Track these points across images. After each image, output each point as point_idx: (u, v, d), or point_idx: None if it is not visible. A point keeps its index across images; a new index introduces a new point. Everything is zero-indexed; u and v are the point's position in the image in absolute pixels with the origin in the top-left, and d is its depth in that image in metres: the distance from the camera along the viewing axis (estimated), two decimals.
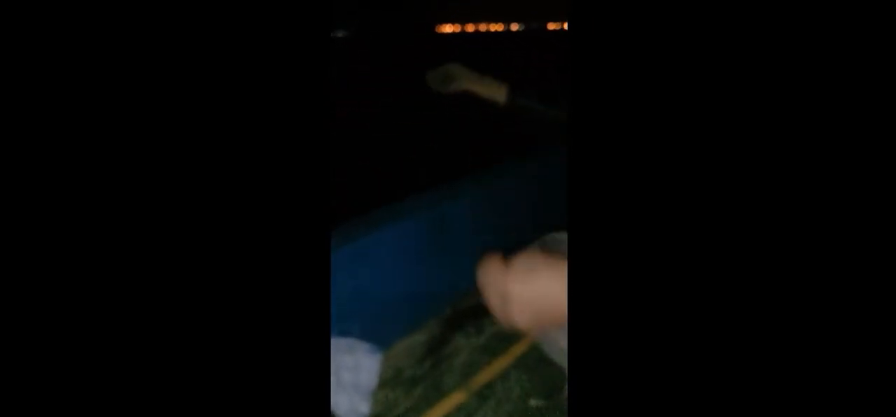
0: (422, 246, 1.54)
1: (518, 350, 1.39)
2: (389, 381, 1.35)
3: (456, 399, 1.25)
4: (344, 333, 1.41)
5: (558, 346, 0.88)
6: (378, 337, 1.42)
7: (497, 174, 1.74)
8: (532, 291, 0.45)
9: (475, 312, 1.58)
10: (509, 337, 1.47)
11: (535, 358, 1.35)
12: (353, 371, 1.30)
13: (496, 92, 1.36)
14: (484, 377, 1.32)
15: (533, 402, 1.20)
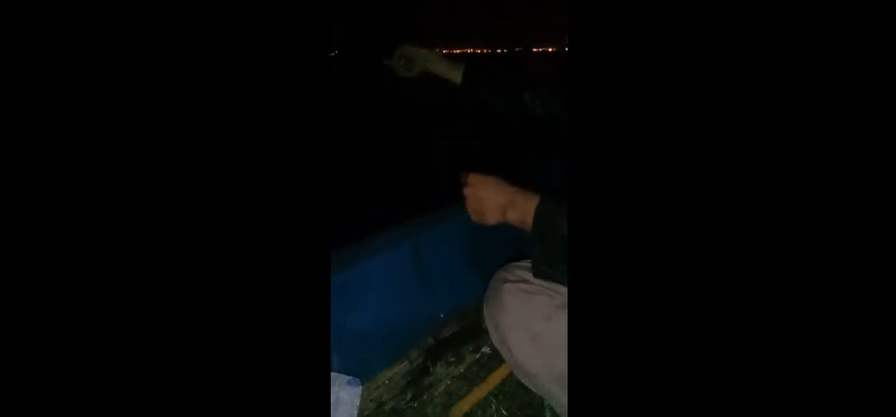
0: (401, 278, 1.54)
1: (497, 377, 1.40)
2: (371, 415, 1.34)
3: None
4: None
5: (560, 403, 1.00)
6: (359, 369, 1.41)
7: None
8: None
9: (455, 340, 1.59)
10: (488, 364, 1.48)
11: (514, 385, 1.36)
12: (333, 406, 1.28)
13: (453, 72, 1.41)
14: (465, 405, 1.32)
15: None
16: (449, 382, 1.43)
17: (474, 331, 1.60)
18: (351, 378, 1.34)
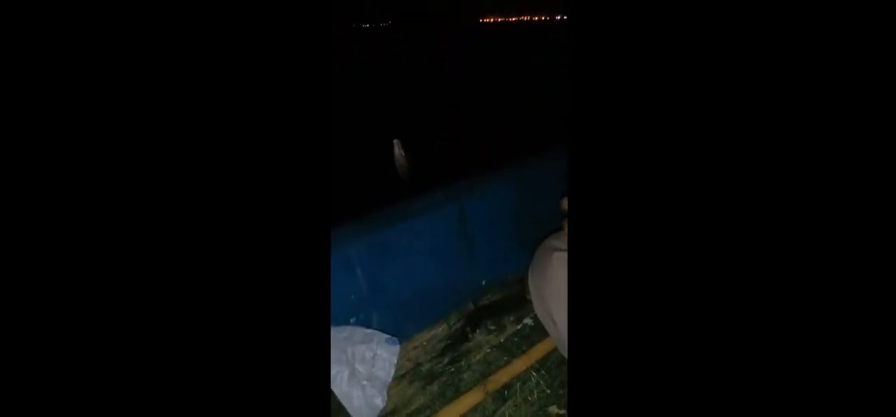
0: (443, 241, 1.51)
1: (539, 351, 1.34)
2: (406, 375, 1.33)
3: (473, 398, 1.21)
4: (362, 324, 1.40)
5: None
6: (397, 328, 1.40)
7: (520, 168, 1.70)
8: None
9: (496, 309, 1.54)
10: (530, 336, 1.42)
11: (557, 361, 1.30)
12: (370, 362, 1.28)
13: None
14: (503, 376, 1.28)
15: (553, 410, 1.15)
16: (488, 350, 1.39)
17: (517, 301, 1.55)
18: (389, 336, 1.34)
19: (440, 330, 1.48)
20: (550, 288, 0.96)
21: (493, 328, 1.47)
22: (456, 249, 1.54)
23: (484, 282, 1.60)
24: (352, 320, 1.39)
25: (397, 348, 1.34)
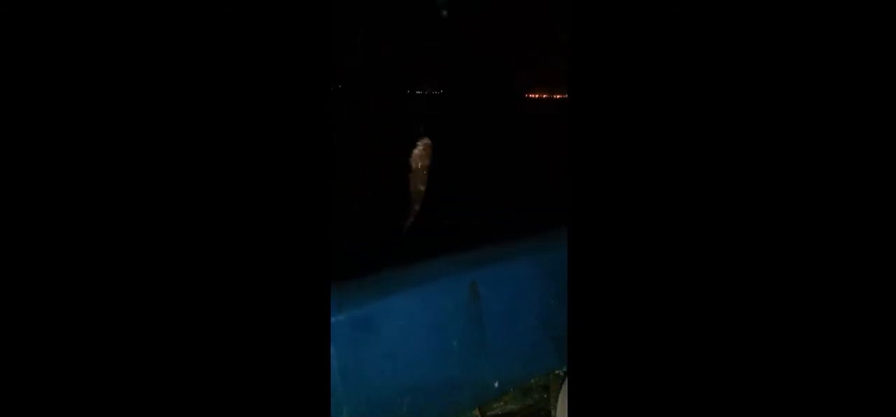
0: (446, 322, 1.24)
1: None
2: None
3: None
4: None
5: None
6: None
7: (551, 240, 1.42)
8: None
9: None
10: None
11: None
12: None
13: None
14: None
15: None
16: None
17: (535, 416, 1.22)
18: None
19: None
20: None
21: None
22: (462, 335, 1.24)
23: (497, 384, 1.28)
24: None
25: None
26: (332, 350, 1.12)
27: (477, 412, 1.24)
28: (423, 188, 1.40)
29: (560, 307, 1.32)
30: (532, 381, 1.30)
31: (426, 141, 1.35)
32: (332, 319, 1.12)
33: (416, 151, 1.39)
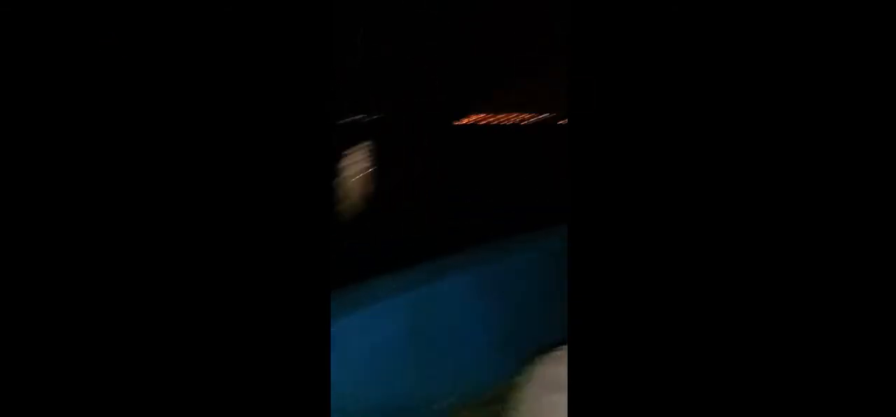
0: (394, 342, 1.22)
1: None
2: None
3: None
4: None
5: None
6: None
7: (503, 248, 1.43)
8: None
9: None
10: None
11: None
12: None
13: None
14: None
15: None
16: None
17: None
18: None
19: None
20: None
21: None
22: (411, 352, 1.22)
23: (447, 404, 1.26)
24: None
25: None
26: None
27: None
28: (359, 205, 1.38)
29: (504, 316, 1.35)
30: (488, 392, 1.28)
31: (362, 159, 1.33)
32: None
33: (352, 169, 1.36)
